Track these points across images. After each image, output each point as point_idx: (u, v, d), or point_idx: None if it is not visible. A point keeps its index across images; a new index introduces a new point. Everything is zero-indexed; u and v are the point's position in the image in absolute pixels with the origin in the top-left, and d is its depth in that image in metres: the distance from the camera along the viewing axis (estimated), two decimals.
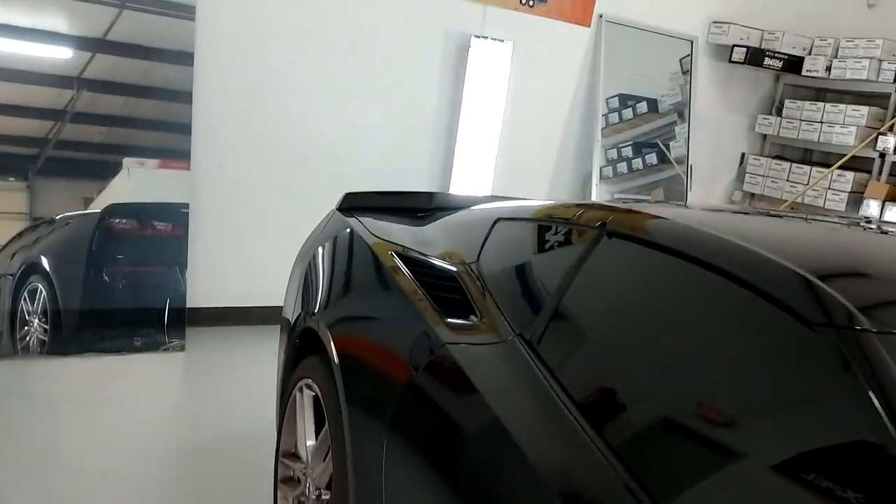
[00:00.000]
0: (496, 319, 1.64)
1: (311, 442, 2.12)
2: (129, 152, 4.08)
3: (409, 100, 4.72)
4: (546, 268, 1.69)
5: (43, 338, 3.90)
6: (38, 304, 4.02)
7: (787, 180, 6.05)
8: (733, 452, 1.08)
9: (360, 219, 2.40)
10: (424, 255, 2.04)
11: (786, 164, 6.10)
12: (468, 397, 1.47)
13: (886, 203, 5.41)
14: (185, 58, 4.01)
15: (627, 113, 5.91)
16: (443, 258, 2.01)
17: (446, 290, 1.82)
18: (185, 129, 4.08)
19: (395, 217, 2.51)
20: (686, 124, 5.94)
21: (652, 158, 6.06)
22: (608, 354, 1.38)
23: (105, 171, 4.08)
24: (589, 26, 5.36)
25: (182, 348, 3.97)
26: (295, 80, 4.33)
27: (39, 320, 3.98)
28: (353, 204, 2.60)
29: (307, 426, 2.14)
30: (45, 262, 4.06)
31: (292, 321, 2.40)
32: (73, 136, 4.01)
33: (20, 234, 3.98)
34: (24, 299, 4.02)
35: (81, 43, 3.88)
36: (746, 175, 6.35)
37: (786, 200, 5.95)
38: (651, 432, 1.20)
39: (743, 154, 6.42)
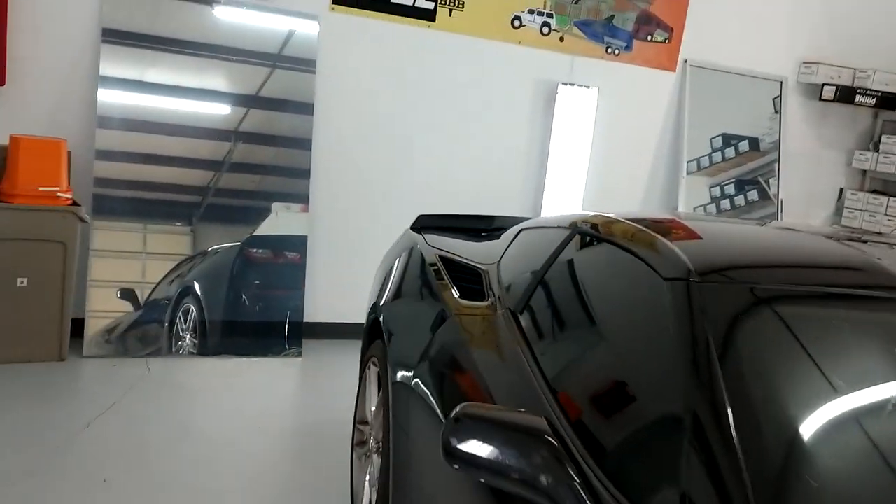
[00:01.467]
0: (498, 301, 2.16)
1: (373, 407, 2.69)
2: (273, 197, 4.84)
3: (502, 140, 5.30)
4: (536, 259, 2.19)
5: (192, 343, 4.71)
6: (189, 322, 4.84)
7: (885, 214, 6.12)
8: (615, 366, 1.55)
9: (426, 235, 2.99)
10: (463, 258, 2.59)
11: (883, 199, 6.18)
12: (460, 348, 2.00)
13: None
14: (307, 108, 4.78)
15: (730, 152, 6.24)
16: (478, 260, 2.55)
17: (469, 283, 2.36)
18: (306, 174, 4.83)
19: (457, 234, 3.07)
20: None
21: (753, 195, 6.33)
22: (558, 316, 1.88)
23: (256, 215, 4.87)
24: (674, 71, 5.76)
25: (299, 355, 4.68)
26: (399, 124, 5.03)
27: (191, 335, 4.79)
28: (424, 224, 3.19)
29: (372, 395, 2.72)
30: (196, 286, 4.89)
31: (367, 315, 3.00)
32: (229, 185, 4.82)
33: (178, 266, 4.81)
34: (179, 318, 4.85)
35: (238, 100, 4.70)
36: (845, 210, 6.45)
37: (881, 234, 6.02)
38: (568, 361, 1.69)
39: (841, 189, 6.53)
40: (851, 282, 1.57)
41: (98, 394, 3.83)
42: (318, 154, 4.86)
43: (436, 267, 2.54)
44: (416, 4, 4.99)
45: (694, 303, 1.44)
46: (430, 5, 5.03)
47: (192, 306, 4.87)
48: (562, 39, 5.39)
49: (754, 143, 6.25)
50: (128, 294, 4.59)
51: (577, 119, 5.41)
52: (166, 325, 4.64)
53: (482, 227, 3.23)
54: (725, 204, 6.27)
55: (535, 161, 5.43)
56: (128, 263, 4.55)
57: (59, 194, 3.96)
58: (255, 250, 4.97)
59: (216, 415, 3.77)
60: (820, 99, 6.08)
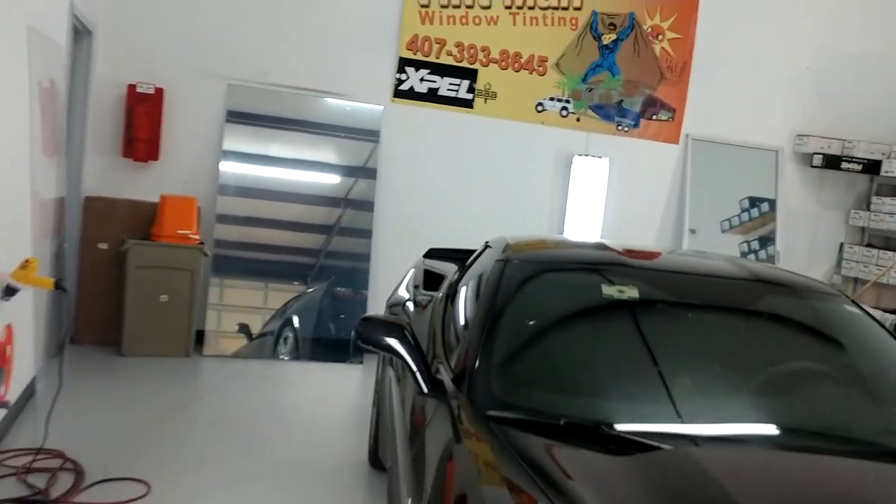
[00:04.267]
0: (445, 290, 3.49)
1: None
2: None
3: (528, 200, 6.62)
4: (477, 269, 3.49)
5: (286, 352, 6.19)
6: (287, 347, 6.33)
7: (875, 264, 7.00)
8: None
9: (427, 259, 4.36)
10: (437, 270, 3.95)
11: (874, 251, 7.06)
12: (416, 317, 3.34)
13: None
14: (372, 172, 6.29)
15: (755, 212, 7.35)
16: (446, 272, 3.90)
17: (436, 283, 3.71)
18: (368, 234, 6.30)
19: (453, 260, 4.42)
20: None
21: (772, 250, 7.37)
22: (463, 289, 3.18)
23: (359, 278, 6.37)
24: (678, 143, 6.97)
25: (361, 362, 6.09)
26: (444, 187, 6.44)
27: (290, 358, 6.24)
28: (432, 253, 4.56)
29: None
30: (294, 319, 6.40)
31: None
32: (338, 248, 6.32)
33: (283, 306, 6.28)
34: (280, 344, 6.35)
35: (347, 171, 6.25)
36: (843, 262, 7.35)
37: (873, 281, 6.90)
38: (455, 305, 2.99)
39: (841, 244, 7.44)
40: (590, 261, 2.83)
41: (209, 379, 5.36)
42: (378, 213, 6.32)
43: (419, 275, 3.91)
44: (458, 95, 6.47)
45: (505, 270, 2.74)
46: (470, 96, 6.50)
47: (291, 335, 6.37)
48: (578, 120, 6.73)
49: (773, 204, 7.32)
50: (244, 328, 6.12)
51: (591, 184, 6.68)
52: (269, 354, 6.12)
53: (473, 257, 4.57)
54: (752, 257, 7.33)
55: (555, 218, 6.71)
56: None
57: (190, 236, 5.58)
58: (337, 289, 6.45)
59: (291, 393, 5.22)
60: (811, 166, 7.11)
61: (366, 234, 6.33)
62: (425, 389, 2.37)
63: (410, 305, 3.69)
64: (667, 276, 2.82)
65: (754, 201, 7.31)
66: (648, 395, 2.30)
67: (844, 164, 7.04)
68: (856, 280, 7.29)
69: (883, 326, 2.74)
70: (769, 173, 7.23)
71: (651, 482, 1.77)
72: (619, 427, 2.09)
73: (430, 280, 3.90)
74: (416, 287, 3.92)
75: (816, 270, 7.44)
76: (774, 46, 7.04)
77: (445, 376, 2.42)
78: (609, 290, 2.63)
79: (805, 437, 2.24)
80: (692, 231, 7.07)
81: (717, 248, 6.92)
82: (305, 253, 6.30)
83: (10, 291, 3.44)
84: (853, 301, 2.86)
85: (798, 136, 7.18)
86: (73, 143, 5.39)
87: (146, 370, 5.29)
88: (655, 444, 1.94)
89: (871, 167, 7.04)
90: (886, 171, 6.96)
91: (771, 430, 2.25)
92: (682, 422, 2.20)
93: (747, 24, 6.97)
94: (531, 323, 2.58)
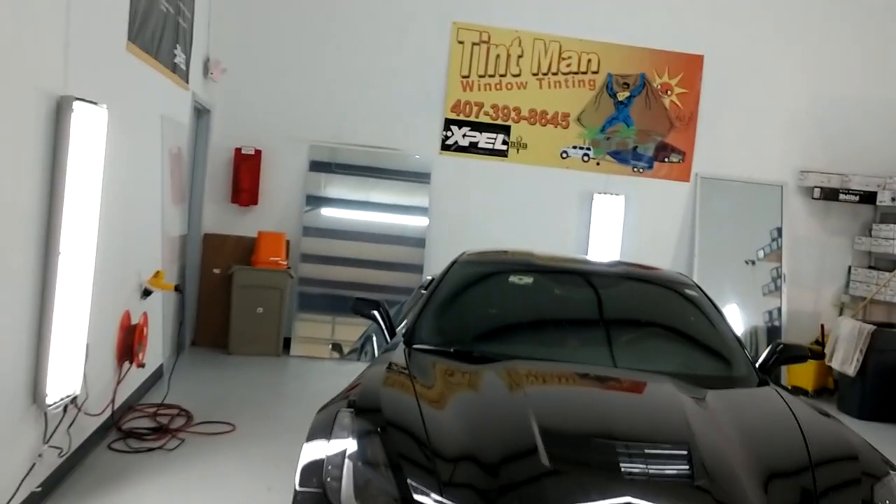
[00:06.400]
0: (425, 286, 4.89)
1: None
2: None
3: (553, 233, 7.90)
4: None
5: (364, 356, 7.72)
6: (367, 356, 7.86)
7: (875, 283, 7.84)
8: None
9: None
10: None
11: (875, 273, 7.90)
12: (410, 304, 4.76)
13: None
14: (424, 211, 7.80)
15: (780, 241, 8.39)
16: None
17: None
18: (419, 269, 7.78)
19: None
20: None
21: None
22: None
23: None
24: (689, 181, 8.12)
25: None
26: (484, 223, 7.85)
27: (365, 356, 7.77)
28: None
29: None
30: (373, 337, 7.95)
31: None
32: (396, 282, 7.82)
33: (367, 329, 7.83)
34: (362, 355, 7.89)
35: (404, 209, 7.82)
36: (851, 282, 8.20)
37: (869, 298, 7.74)
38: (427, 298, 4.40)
39: (850, 266, 8.29)
40: (511, 262, 4.18)
41: (296, 374, 6.95)
42: (430, 247, 7.80)
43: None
44: (495, 147, 7.93)
45: (458, 265, 4.12)
46: (504, 147, 7.94)
47: (369, 348, 7.92)
48: (598, 164, 8.02)
49: (780, 232, 8.31)
50: (337, 347, 7.71)
51: (610, 218, 7.93)
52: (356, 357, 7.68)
53: None
54: (779, 282, 8.33)
55: (581, 246, 7.97)
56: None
57: (279, 262, 7.26)
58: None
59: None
60: (813, 198, 8.07)
61: (417, 269, 7.80)
62: (387, 337, 3.80)
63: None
64: (561, 272, 4.12)
65: (779, 230, 8.29)
66: (517, 338, 3.64)
67: (842, 196, 7.97)
68: (863, 299, 8.11)
69: (717, 308, 3.94)
70: (776, 206, 8.22)
71: (479, 375, 3.11)
72: (485, 352, 3.44)
73: None
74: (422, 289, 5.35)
75: (826, 291, 8.32)
76: (774, 93, 8.11)
77: (399, 333, 3.84)
78: (513, 279, 4.00)
79: (618, 367, 3.49)
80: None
81: (745, 276, 7.99)
82: (376, 289, 7.78)
83: (147, 293, 5.14)
84: (697, 286, 4.06)
85: (801, 171, 8.16)
86: (195, 193, 7.21)
87: (245, 364, 6.94)
88: (499, 359, 3.28)
89: (867, 198, 7.92)
90: (881, 201, 7.83)
91: (595, 360, 3.51)
92: (534, 356, 3.50)
93: (748, 75, 8.08)
94: (455, 298, 3.95)
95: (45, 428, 3.51)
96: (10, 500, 3.23)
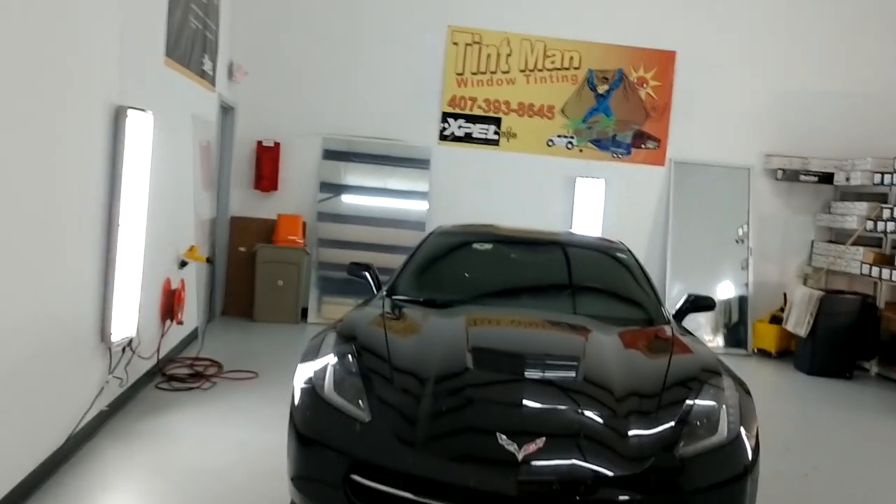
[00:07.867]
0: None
1: None
2: None
3: (540, 213, 8.83)
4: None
5: None
6: None
7: (836, 257, 8.68)
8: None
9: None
10: None
11: (833, 246, 8.74)
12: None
13: (873, 266, 7.91)
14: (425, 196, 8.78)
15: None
16: None
17: None
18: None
19: None
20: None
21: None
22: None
23: None
24: (664, 166, 9.00)
25: None
26: (477, 205, 8.80)
27: None
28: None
29: None
30: None
31: None
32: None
33: None
34: None
35: (405, 194, 8.83)
36: (813, 255, 9.04)
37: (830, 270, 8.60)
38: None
39: (812, 241, 9.13)
40: (478, 233, 5.14)
41: (310, 335, 7.97)
42: (430, 228, 8.78)
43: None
44: (487, 137, 8.87)
45: (433, 235, 5.09)
46: (496, 137, 8.88)
47: None
48: (580, 151, 8.94)
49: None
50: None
51: (591, 199, 8.84)
52: None
53: None
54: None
55: (565, 225, 8.90)
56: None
57: (296, 240, 8.29)
58: None
59: None
60: (776, 179, 8.91)
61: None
62: (374, 291, 4.80)
63: None
64: (517, 241, 5.06)
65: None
66: (475, 291, 4.62)
67: (802, 177, 8.81)
68: (823, 269, 8.95)
69: (643, 270, 4.88)
70: (743, 187, 9.08)
71: (437, 315, 4.08)
72: (446, 300, 4.41)
73: None
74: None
75: (791, 263, 9.18)
76: (740, 85, 8.97)
77: (384, 288, 4.83)
78: (476, 246, 4.98)
79: (553, 312, 4.45)
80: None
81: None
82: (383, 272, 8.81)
83: (183, 264, 6.19)
84: (628, 251, 5.00)
85: (766, 155, 9.01)
86: (223, 181, 8.25)
87: (268, 329, 8.00)
88: (457, 306, 4.25)
89: (826, 178, 8.76)
90: (838, 182, 8.67)
91: (537, 308, 4.45)
92: (486, 304, 4.46)
93: (716, 69, 8.94)
94: (429, 262, 4.90)
95: (110, 361, 4.57)
96: (86, 412, 4.28)
